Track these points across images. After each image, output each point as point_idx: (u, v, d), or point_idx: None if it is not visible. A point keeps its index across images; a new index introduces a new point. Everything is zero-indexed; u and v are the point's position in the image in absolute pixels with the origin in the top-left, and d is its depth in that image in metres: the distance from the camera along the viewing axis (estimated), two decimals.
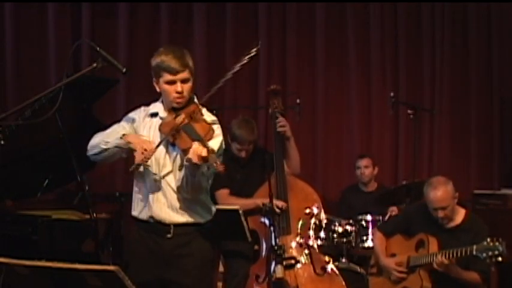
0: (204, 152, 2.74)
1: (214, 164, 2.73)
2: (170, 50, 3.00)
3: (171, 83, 2.96)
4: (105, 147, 3.05)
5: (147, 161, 2.94)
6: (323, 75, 6.13)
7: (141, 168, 3.00)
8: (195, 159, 2.76)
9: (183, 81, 2.97)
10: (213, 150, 2.76)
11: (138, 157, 2.93)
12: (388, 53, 6.29)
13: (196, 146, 2.78)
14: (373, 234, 4.63)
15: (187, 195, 2.99)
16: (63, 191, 4.70)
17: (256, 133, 4.59)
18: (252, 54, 3.03)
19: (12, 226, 3.98)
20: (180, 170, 2.98)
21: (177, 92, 2.97)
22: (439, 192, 4.02)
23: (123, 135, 3.03)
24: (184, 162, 2.87)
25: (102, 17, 5.67)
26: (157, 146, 2.98)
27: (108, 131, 3.12)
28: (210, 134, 2.91)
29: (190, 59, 3.01)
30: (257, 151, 4.66)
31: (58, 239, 3.98)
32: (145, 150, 2.92)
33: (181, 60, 2.95)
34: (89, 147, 3.12)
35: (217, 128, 3.00)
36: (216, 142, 2.94)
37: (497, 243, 3.73)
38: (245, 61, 3.03)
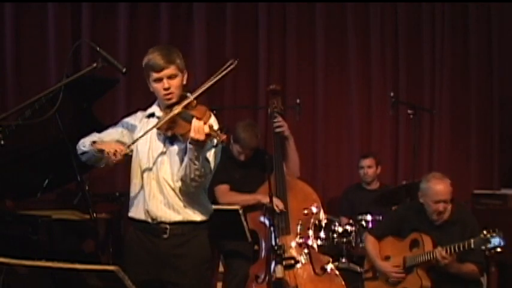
0: (206, 128, 2.79)
1: (218, 137, 2.79)
2: (157, 49, 3.06)
3: (158, 80, 3.00)
4: (83, 149, 3.11)
5: (117, 159, 2.94)
6: (323, 75, 6.13)
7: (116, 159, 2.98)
8: (197, 136, 2.80)
9: (170, 77, 2.99)
10: (212, 125, 2.82)
11: (109, 157, 2.93)
12: (388, 53, 6.29)
13: (196, 122, 2.82)
14: (364, 239, 4.61)
15: (191, 186, 2.98)
16: (63, 191, 4.70)
17: (258, 139, 4.59)
18: (229, 70, 3.06)
19: (12, 226, 3.98)
20: (179, 155, 2.99)
21: (165, 89, 3.00)
22: (444, 185, 4.07)
23: (93, 142, 3.06)
24: (188, 146, 2.88)
25: (102, 17, 5.66)
26: (142, 136, 3.01)
27: (100, 134, 3.16)
28: (208, 116, 2.93)
29: (179, 56, 3.04)
30: (256, 151, 4.66)
31: (58, 239, 3.98)
32: (116, 151, 2.93)
33: (166, 57, 2.99)
34: (76, 146, 3.17)
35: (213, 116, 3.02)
36: (214, 121, 2.96)
37: (494, 234, 3.75)
38: (220, 76, 3.05)
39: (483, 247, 3.78)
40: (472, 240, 3.81)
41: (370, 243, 4.41)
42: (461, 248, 3.85)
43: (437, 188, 4.06)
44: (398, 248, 4.25)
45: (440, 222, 4.11)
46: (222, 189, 4.48)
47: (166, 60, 2.98)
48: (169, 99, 3.02)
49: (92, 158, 3.10)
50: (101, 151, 2.99)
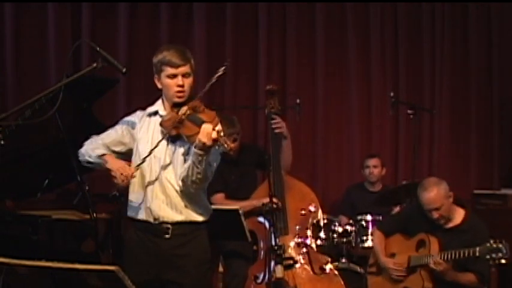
0: (214, 134, 2.81)
1: (225, 145, 2.80)
2: (172, 46, 3.13)
3: (173, 76, 3.02)
4: (89, 159, 3.15)
5: (127, 185, 2.99)
6: (323, 75, 6.13)
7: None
8: (204, 140, 2.81)
9: (184, 75, 3.03)
10: (221, 131, 2.83)
11: (117, 181, 2.97)
12: (388, 53, 6.29)
13: (206, 126, 2.84)
14: (372, 234, 4.63)
15: (191, 187, 2.98)
16: (63, 191, 4.69)
17: (238, 126, 4.58)
18: (220, 73, 3.08)
19: (12, 226, 3.98)
20: (183, 155, 3.00)
21: (179, 86, 3.02)
22: (431, 193, 4.02)
23: (103, 155, 3.09)
24: (193, 149, 2.89)
25: (102, 17, 5.66)
26: (158, 143, 3.01)
27: (100, 136, 3.17)
28: (216, 121, 2.94)
29: (191, 57, 3.09)
30: (248, 149, 4.67)
31: (58, 239, 3.98)
32: (123, 174, 2.96)
33: (183, 54, 3.04)
34: (79, 153, 3.20)
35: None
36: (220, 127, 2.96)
37: (500, 245, 3.73)
38: (214, 80, 3.08)
39: (488, 256, 3.76)
40: (477, 248, 3.79)
41: (377, 238, 4.42)
42: (467, 255, 3.83)
43: (424, 197, 4.05)
44: (405, 246, 4.24)
45: (450, 227, 4.09)
46: (218, 199, 4.49)
47: (183, 58, 3.03)
48: (181, 97, 3.04)
49: (98, 167, 3.15)
50: (108, 170, 3.03)
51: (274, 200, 4.23)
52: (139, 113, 3.24)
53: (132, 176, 2.99)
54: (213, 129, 2.83)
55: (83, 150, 3.18)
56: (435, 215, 4.04)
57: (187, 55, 3.06)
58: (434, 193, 4.02)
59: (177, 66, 3.01)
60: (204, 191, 3.16)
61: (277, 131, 4.39)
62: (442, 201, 4.02)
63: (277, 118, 4.41)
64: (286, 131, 4.46)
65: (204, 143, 2.83)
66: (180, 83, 3.02)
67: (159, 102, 3.17)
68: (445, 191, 4.05)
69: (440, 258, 3.92)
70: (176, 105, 3.06)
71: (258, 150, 4.83)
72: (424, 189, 4.06)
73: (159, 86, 3.10)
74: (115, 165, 3.03)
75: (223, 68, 3.08)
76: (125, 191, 3.06)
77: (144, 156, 3.01)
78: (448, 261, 3.91)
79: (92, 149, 3.14)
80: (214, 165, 3.03)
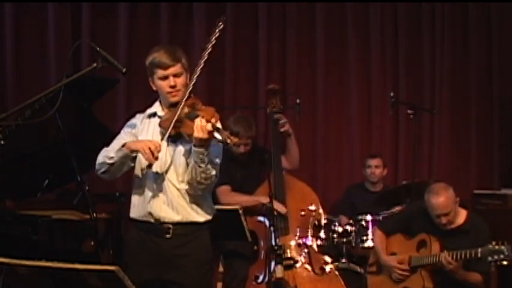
0: (209, 126, 2.79)
1: (228, 140, 2.78)
2: (161, 47, 3.10)
3: (164, 78, 3.02)
4: (110, 162, 3.03)
5: (157, 159, 2.93)
6: (323, 75, 6.13)
7: (152, 168, 3.00)
8: (200, 134, 2.80)
9: (176, 75, 3.02)
10: (216, 126, 2.81)
11: (148, 157, 2.91)
12: (388, 53, 6.29)
13: (199, 121, 2.82)
14: (373, 233, 4.63)
15: (198, 189, 2.98)
16: (63, 191, 4.69)
17: (254, 129, 4.60)
18: (220, 28, 3.04)
19: (12, 226, 3.98)
20: (185, 156, 2.99)
21: (171, 87, 3.01)
22: (441, 198, 4.01)
23: (123, 145, 3.02)
24: (193, 148, 2.88)
25: (102, 17, 5.66)
26: (161, 140, 3.01)
27: (110, 147, 3.11)
28: (216, 117, 2.92)
29: (183, 55, 3.07)
30: (256, 150, 4.67)
31: (58, 239, 3.98)
32: (150, 149, 2.91)
33: (173, 55, 3.02)
34: (96, 167, 3.10)
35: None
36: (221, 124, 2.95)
37: (502, 247, 3.73)
38: (214, 38, 3.03)
39: (490, 258, 3.76)
40: (479, 250, 3.80)
41: (378, 237, 4.42)
42: (468, 256, 3.84)
43: (434, 202, 4.03)
44: (405, 246, 4.24)
45: (452, 228, 4.08)
46: (223, 190, 4.49)
47: (172, 58, 3.00)
48: (174, 96, 3.03)
49: (119, 167, 3.05)
50: (135, 152, 2.97)
51: (281, 207, 4.22)
52: (139, 115, 3.24)
53: (158, 150, 2.92)
54: (207, 122, 2.81)
55: (99, 161, 3.07)
56: (444, 220, 4.02)
57: (177, 54, 3.03)
58: (444, 198, 4.01)
59: (166, 68, 3.00)
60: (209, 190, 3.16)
61: (282, 129, 4.40)
62: (451, 207, 4.02)
63: (283, 118, 4.41)
64: (290, 129, 4.48)
65: (200, 138, 2.82)
66: (172, 83, 3.01)
67: (157, 103, 3.17)
68: (453, 196, 4.05)
69: None
70: (173, 105, 3.05)
71: (261, 149, 4.83)
72: (435, 193, 4.04)
73: (154, 88, 3.10)
74: (139, 144, 2.98)
75: (220, 24, 3.02)
76: (151, 167, 2.98)
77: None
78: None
79: (109, 151, 3.06)
80: (217, 162, 3.01)
